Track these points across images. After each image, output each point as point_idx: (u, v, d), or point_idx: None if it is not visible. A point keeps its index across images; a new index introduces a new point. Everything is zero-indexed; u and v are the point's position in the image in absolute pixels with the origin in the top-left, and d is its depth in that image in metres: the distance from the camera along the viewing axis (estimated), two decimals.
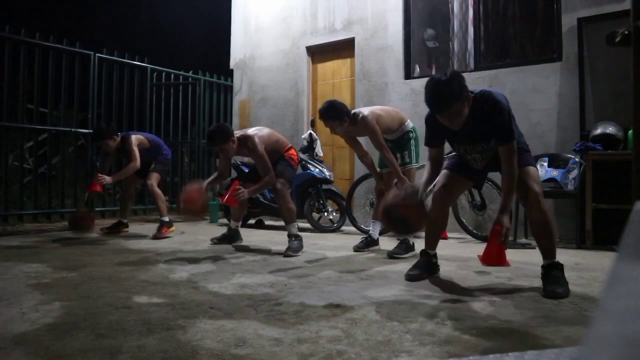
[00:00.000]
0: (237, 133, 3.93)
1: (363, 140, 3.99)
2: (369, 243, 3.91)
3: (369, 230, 4.03)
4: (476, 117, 2.42)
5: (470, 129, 2.46)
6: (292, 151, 4.08)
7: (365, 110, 3.74)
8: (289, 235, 3.78)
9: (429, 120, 2.62)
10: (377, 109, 3.89)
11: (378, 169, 3.94)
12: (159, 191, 4.82)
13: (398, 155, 3.81)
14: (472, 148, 2.59)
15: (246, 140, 3.79)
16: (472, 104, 2.41)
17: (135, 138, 4.75)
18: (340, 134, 3.78)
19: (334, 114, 3.60)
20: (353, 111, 3.76)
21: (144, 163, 4.77)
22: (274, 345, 1.67)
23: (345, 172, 6.25)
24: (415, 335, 1.77)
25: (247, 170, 4.65)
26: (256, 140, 3.75)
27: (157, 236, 4.58)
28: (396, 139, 3.85)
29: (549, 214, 2.48)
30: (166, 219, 4.74)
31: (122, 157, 5.09)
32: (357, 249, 3.88)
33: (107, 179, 4.59)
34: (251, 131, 3.92)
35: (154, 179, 4.82)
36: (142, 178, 4.95)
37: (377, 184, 3.98)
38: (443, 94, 2.29)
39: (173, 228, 4.75)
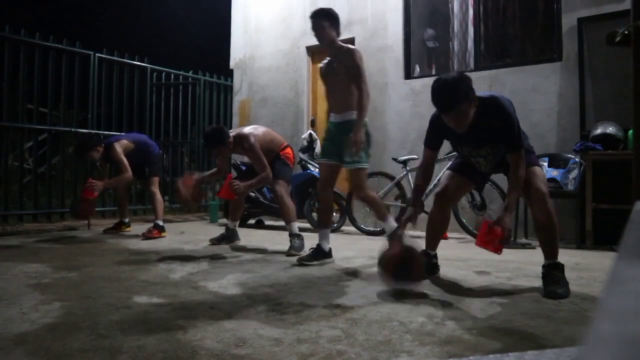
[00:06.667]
0: (233, 132, 3.94)
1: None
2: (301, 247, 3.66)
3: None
4: (482, 121, 2.40)
5: (476, 133, 2.44)
6: (288, 150, 4.09)
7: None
8: (290, 235, 3.79)
9: (434, 121, 2.61)
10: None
11: (322, 159, 3.65)
12: (160, 197, 4.89)
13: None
14: (477, 152, 2.58)
15: (241, 139, 3.82)
16: (478, 108, 2.39)
17: (119, 146, 4.65)
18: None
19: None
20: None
21: (135, 164, 4.76)
22: (274, 345, 1.67)
23: (345, 172, 6.23)
24: (415, 335, 1.77)
25: (244, 169, 4.67)
26: (252, 139, 3.78)
27: (146, 235, 4.59)
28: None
29: (554, 215, 2.46)
30: (160, 222, 4.76)
31: (101, 165, 5.08)
32: (302, 260, 3.32)
33: (99, 184, 4.55)
34: (247, 130, 3.93)
35: (155, 185, 4.88)
36: (136, 179, 5.01)
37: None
38: (450, 92, 2.29)
39: (165, 234, 4.75)
